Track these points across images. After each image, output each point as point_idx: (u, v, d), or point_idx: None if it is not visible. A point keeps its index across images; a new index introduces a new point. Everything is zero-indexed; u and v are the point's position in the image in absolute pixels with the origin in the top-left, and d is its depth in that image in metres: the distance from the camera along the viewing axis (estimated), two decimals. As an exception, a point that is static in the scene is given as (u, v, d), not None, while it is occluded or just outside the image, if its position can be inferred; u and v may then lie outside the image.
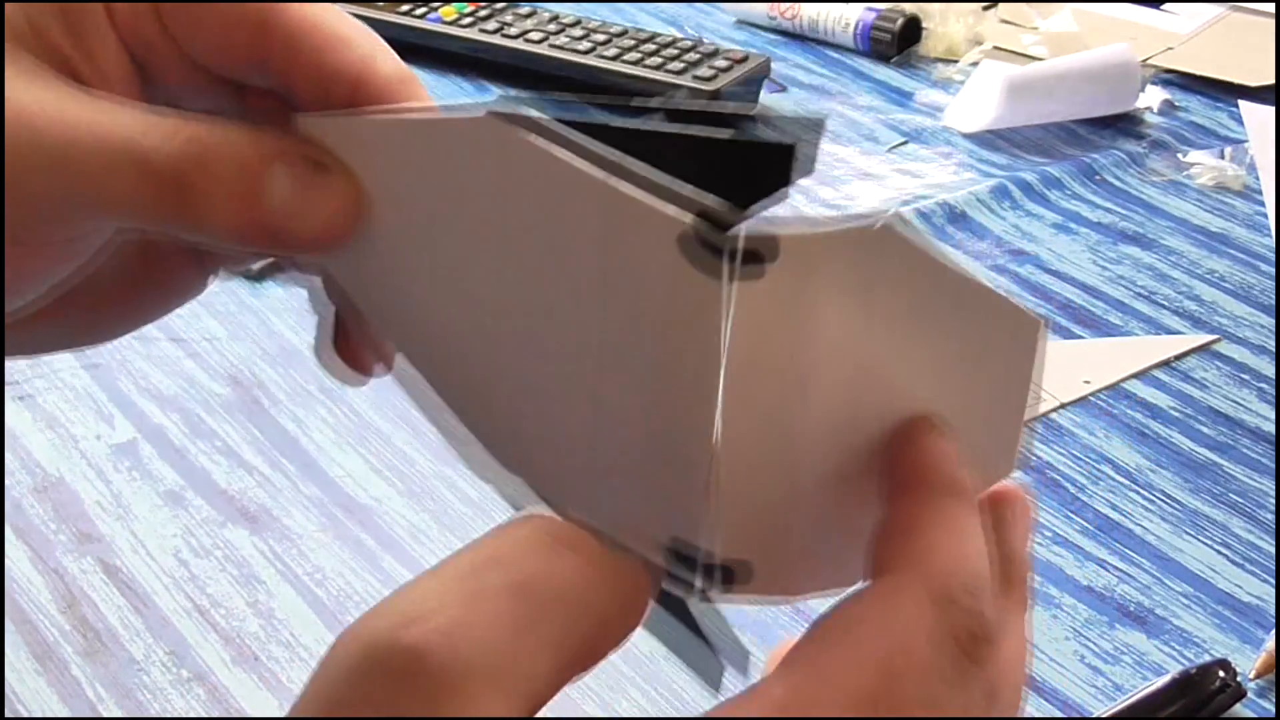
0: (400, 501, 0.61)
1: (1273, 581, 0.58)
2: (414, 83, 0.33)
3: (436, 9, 1.00)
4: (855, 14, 1.02)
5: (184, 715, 0.51)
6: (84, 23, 0.32)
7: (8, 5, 0.31)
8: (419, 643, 0.24)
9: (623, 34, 0.96)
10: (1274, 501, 0.62)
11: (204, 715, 0.51)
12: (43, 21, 0.32)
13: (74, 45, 0.32)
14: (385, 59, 0.33)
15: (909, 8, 1.03)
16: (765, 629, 0.53)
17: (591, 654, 0.26)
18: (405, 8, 1.00)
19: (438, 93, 0.95)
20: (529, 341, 0.29)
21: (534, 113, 0.27)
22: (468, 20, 0.99)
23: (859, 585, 0.27)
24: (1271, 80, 0.97)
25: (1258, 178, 0.87)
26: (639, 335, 0.26)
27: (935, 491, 0.27)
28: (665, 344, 0.26)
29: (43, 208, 0.31)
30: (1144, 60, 0.97)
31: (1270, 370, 0.71)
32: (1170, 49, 1.02)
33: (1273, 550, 0.60)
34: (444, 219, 0.30)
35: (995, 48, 1.02)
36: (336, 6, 0.35)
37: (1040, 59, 0.99)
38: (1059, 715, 0.52)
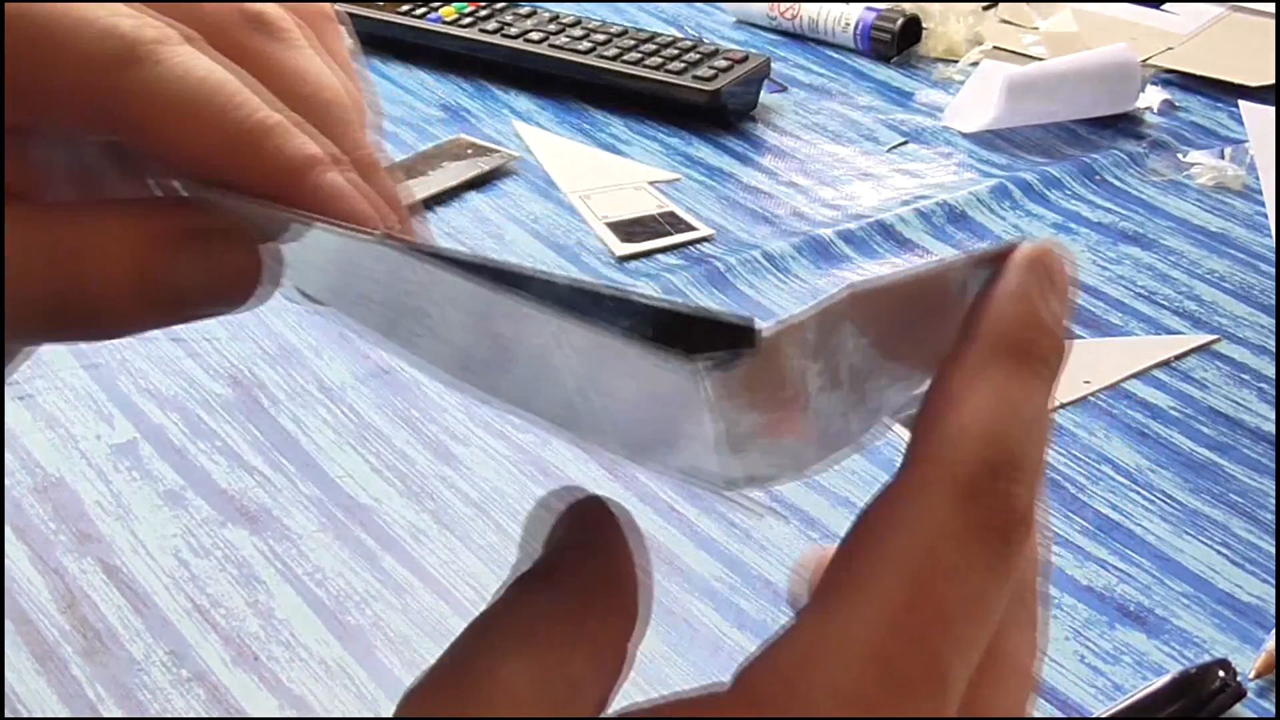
0: (400, 501, 0.61)
1: (1273, 581, 0.58)
2: (282, 132, 0.30)
3: (436, 9, 1.00)
4: (855, 14, 1.02)
5: (184, 715, 0.51)
6: None
7: None
8: (440, 662, 0.25)
9: (623, 34, 0.96)
10: (1274, 501, 0.62)
11: (204, 715, 0.51)
12: None
13: None
14: (248, 112, 0.30)
15: (909, 8, 1.03)
16: (764, 629, 0.53)
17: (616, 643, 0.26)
18: (405, 8, 1.00)
19: (438, 92, 0.95)
20: (501, 355, 0.30)
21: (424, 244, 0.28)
22: (468, 20, 0.99)
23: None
24: (1271, 80, 0.97)
25: (1258, 178, 0.87)
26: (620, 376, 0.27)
27: (987, 353, 0.24)
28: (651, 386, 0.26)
29: None
30: (1144, 60, 0.97)
31: (1270, 370, 0.71)
32: (1170, 49, 1.02)
33: (1273, 550, 0.60)
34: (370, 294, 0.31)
35: (995, 48, 1.02)
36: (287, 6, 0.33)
37: (1040, 59, 0.99)
38: (1059, 715, 0.52)
